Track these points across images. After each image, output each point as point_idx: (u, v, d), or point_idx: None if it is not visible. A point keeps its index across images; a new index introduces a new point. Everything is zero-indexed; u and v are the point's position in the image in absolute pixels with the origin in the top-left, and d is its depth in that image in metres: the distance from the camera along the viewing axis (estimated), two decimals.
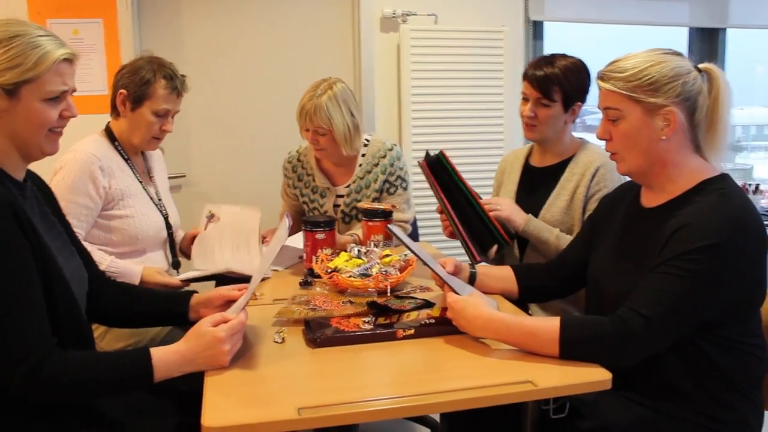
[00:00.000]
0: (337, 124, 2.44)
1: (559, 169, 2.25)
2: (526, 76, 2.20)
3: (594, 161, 2.18)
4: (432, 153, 2.09)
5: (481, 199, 2.13)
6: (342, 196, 2.62)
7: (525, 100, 2.22)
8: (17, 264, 1.29)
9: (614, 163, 2.11)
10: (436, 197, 2.08)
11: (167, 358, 1.37)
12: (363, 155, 2.62)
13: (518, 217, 2.14)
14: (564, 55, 2.20)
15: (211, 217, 2.23)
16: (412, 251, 1.75)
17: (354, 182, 2.61)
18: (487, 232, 2.10)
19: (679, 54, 1.55)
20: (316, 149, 2.53)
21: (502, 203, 2.16)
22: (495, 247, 2.11)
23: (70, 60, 1.40)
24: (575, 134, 2.32)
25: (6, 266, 1.27)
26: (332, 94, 2.44)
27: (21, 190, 1.43)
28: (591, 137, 2.08)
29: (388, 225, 1.63)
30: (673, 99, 1.50)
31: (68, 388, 1.30)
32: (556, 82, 2.15)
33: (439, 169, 2.07)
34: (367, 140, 2.65)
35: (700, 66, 1.55)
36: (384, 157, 2.61)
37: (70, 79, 1.41)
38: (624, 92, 1.52)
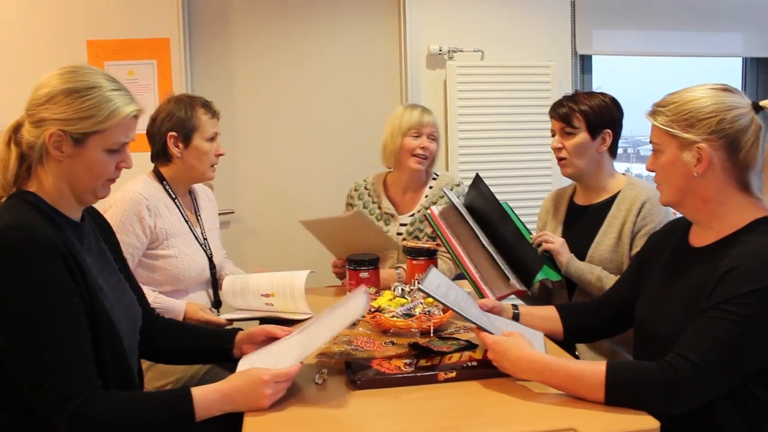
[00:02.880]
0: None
1: (604, 206, 2.22)
2: (551, 113, 2.27)
3: (640, 196, 2.14)
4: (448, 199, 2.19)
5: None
6: (405, 225, 2.67)
7: (552, 136, 2.27)
8: (64, 307, 1.32)
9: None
10: (443, 242, 2.18)
11: (208, 397, 1.39)
12: (430, 187, 2.72)
13: (565, 253, 2.12)
14: (593, 92, 2.29)
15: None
16: (444, 304, 1.66)
17: (419, 211, 2.68)
18: (534, 262, 2.10)
19: (730, 90, 1.51)
20: (423, 158, 2.64)
21: (554, 236, 2.18)
22: (538, 284, 2.10)
23: (136, 116, 1.46)
24: (617, 165, 2.30)
25: (53, 310, 1.30)
26: None
27: (77, 229, 1.48)
28: (643, 168, 2.07)
29: (420, 286, 1.61)
30: (705, 135, 1.47)
31: (111, 429, 1.32)
32: (576, 110, 2.19)
33: (476, 195, 2.09)
34: (437, 174, 2.77)
35: (762, 103, 1.50)
36: (451, 190, 2.67)
37: (132, 132, 1.47)
38: (664, 127, 1.51)
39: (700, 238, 1.58)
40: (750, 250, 1.42)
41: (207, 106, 2.27)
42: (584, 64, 3.79)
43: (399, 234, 2.65)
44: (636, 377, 1.40)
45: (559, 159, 2.24)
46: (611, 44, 3.82)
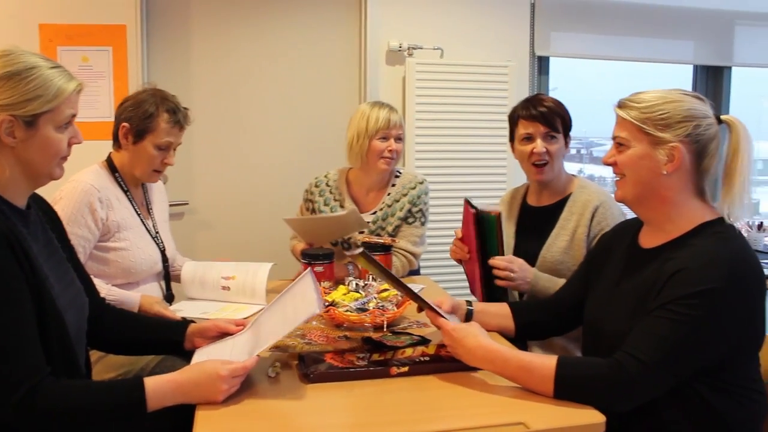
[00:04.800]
0: (408, 138, 2.71)
1: (556, 208, 2.26)
2: (528, 116, 2.23)
3: (592, 200, 2.19)
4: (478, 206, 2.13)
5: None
6: (368, 222, 2.66)
7: (528, 139, 2.24)
8: (10, 294, 1.29)
9: (612, 202, 2.12)
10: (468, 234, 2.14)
11: (161, 387, 1.38)
12: (393, 185, 2.72)
13: (524, 285, 2.12)
14: (543, 94, 2.34)
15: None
16: (403, 288, 1.70)
17: (381, 209, 2.67)
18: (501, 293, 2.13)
19: (701, 99, 1.56)
20: (389, 159, 2.63)
21: (516, 269, 2.11)
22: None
23: (80, 91, 1.47)
24: (571, 166, 2.35)
25: None
26: None
27: (23, 217, 1.45)
28: (597, 169, 2.11)
29: (363, 252, 1.61)
30: (681, 138, 1.51)
31: (60, 417, 1.30)
32: (558, 114, 2.22)
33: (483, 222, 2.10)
34: (399, 172, 2.76)
35: (723, 117, 1.55)
36: (414, 188, 2.70)
37: (77, 106, 1.47)
38: (636, 122, 1.54)
39: (650, 239, 1.62)
40: (696, 252, 1.46)
41: (173, 113, 2.16)
42: (542, 65, 3.84)
43: (361, 232, 2.66)
44: (584, 373, 1.43)
45: (540, 164, 2.23)
46: (568, 47, 3.88)
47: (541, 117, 2.21)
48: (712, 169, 1.55)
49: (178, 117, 2.17)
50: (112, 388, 1.39)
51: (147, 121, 2.13)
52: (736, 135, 1.53)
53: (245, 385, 1.49)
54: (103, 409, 1.33)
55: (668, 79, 4.37)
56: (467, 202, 2.15)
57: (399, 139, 2.65)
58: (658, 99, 1.54)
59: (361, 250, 1.56)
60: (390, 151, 2.61)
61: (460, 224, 2.28)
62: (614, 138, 1.61)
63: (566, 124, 2.26)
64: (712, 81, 4.20)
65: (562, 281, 2.08)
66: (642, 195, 1.58)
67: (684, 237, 1.53)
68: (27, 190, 1.47)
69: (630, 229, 1.73)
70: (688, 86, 4.21)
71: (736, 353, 1.47)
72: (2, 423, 1.29)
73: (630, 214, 1.75)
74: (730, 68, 4.18)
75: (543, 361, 1.46)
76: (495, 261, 2.09)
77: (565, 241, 2.19)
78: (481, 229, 2.09)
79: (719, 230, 1.50)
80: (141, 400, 1.35)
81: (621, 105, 1.59)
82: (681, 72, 4.25)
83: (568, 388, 1.42)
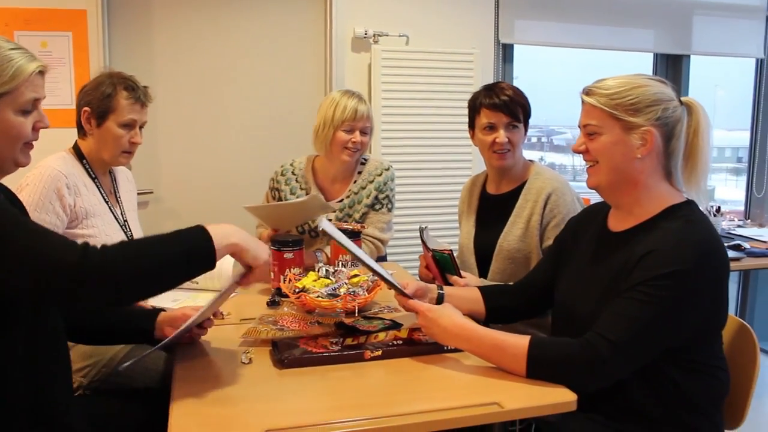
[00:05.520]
0: (374, 125, 2.70)
1: (512, 196, 2.29)
2: (490, 105, 2.24)
3: (545, 188, 2.22)
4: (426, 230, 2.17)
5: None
6: (335, 211, 2.65)
7: (490, 128, 2.26)
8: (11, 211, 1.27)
9: (565, 189, 2.16)
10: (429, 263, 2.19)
11: (219, 227, 1.38)
12: (359, 172, 2.70)
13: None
14: (503, 82, 2.36)
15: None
16: (369, 266, 1.73)
17: (348, 197, 2.67)
18: None
19: (664, 82, 1.59)
20: (354, 150, 2.60)
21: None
22: None
23: (42, 72, 1.42)
24: (532, 153, 2.38)
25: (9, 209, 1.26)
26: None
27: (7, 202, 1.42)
28: (557, 157, 2.14)
29: (327, 224, 1.64)
30: (652, 122, 1.54)
31: (128, 266, 1.25)
32: (519, 104, 2.24)
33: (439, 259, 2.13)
34: (365, 159, 2.74)
35: (683, 99, 1.59)
36: (380, 174, 2.69)
37: (41, 89, 1.42)
38: (606, 108, 1.56)
39: (619, 223, 1.65)
40: (664, 235, 1.50)
41: (132, 89, 2.14)
42: (506, 52, 3.87)
43: (329, 220, 2.65)
44: (556, 352, 1.46)
45: (502, 152, 2.25)
46: (532, 35, 3.91)
47: (504, 107, 2.23)
48: (677, 151, 1.58)
49: (138, 94, 2.15)
50: (173, 235, 1.34)
51: (107, 101, 2.10)
52: (696, 116, 1.58)
53: (219, 371, 1.49)
54: (172, 253, 1.30)
55: (629, 68, 4.45)
56: (421, 236, 2.17)
57: (365, 132, 2.62)
58: (625, 84, 1.57)
59: (322, 227, 1.62)
60: (354, 143, 2.59)
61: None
62: (584, 126, 1.63)
63: (526, 113, 2.28)
64: (672, 69, 4.29)
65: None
66: (616, 180, 1.60)
67: (652, 220, 1.57)
68: None
69: (599, 213, 1.76)
70: (648, 73, 4.29)
71: (702, 333, 1.51)
72: (68, 284, 1.22)
73: (590, 200, 1.77)
74: (689, 56, 4.27)
75: (516, 341, 1.48)
76: (451, 289, 2.00)
77: (521, 229, 2.22)
78: (440, 264, 2.13)
79: (686, 213, 1.54)
80: (206, 236, 1.33)
81: (588, 92, 1.61)
82: (641, 60, 4.33)
83: (539, 367, 1.45)
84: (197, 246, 1.34)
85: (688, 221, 1.51)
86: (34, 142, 1.45)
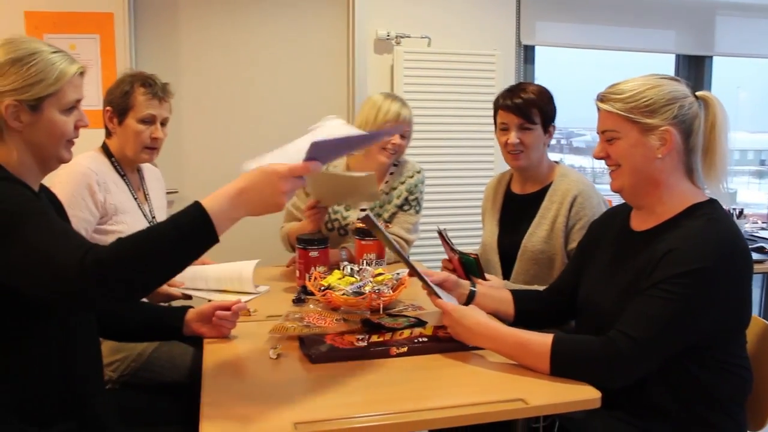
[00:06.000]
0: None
1: (538, 196, 2.30)
2: (504, 106, 2.26)
3: (571, 190, 2.22)
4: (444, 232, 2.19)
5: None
6: (365, 210, 2.67)
7: (504, 130, 2.28)
8: (41, 209, 1.34)
9: (591, 191, 2.16)
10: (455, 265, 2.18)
11: (219, 202, 1.32)
12: (391, 173, 2.74)
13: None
14: (530, 83, 2.34)
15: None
16: (404, 258, 1.76)
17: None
18: None
19: (677, 80, 1.60)
20: (390, 154, 2.63)
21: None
22: None
23: (82, 73, 1.50)
24: (552, 156, 2.38)
25: (35, 206, 1.33)
26: None
27: (38, 199, 1.48)
28: (577, 159, 2.15)
29: (367, 216, 1.68)
30: (669, 121, 1.55)
31: (133, 260, 1.25)
32: (534, 105, 2.23)
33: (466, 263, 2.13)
34: (398, 161, 2.78)
35: (698, 93, 1.60)
36: (412, 177, 2.74)
37: (81, 89, 1.51)
38: (621, 113, 1.57)
39: (641, 222, 1.66)
40: (686, 233, 1.51)
41: (149, 85, 2.19)
42: (527, 54, 3.88)
43: (359, 219, 2.67)
44: (579, 350, 1.48)
45: (515, 152, 2.27)
46: (553, 36, 3.92)
47: (516, 108, 2.23)
48: (697, 147, 1.60)
49: (155, 89, 2.19)
50: (171, 221, 1.31)
51: (125, 99, 2.16)
52: (713, 109, 1.59)
53: (248, 366, 1.52)
54: (171, 241, 1.27)
55: (650, 69, 4.40)
56: (442, 238, 2.17)
57: (404, 135, 2.65)
58: (638, 87, 1.58)
59: (365, 213, 1.66)
60: (393, 145, 2.61)
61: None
62: (602, 132, 1.64)
63: (546, 114, 2.26)
64: (694, 70, 4.27)
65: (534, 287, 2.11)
66: (638, 182, 1.61)
67: (675, 219, 1.58)
68: (39, 173, 1.50)
69: (619, 214, 1.77)
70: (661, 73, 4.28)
71: (723, 331, 1.52)
72: (75, 288, 1.24)
73: (613, 202, 1.78)
74: (711, 58, 4.25)
75: (539, 339, 1.50)
76: (483, 288, 2.00)
77: (546, 231, 2.23)
78: (465, 267, 2.14)
79: (709, 211, 1.55)
80: (206, 218, 1.28)
81: (602, 99, 1.62)
82: (663, 61, 4.31)
83: (563, 365, 1.46)
84: (195, 230, 1.29)
85: (710, 219, 1.52)
86: (75, 141, 1.53)
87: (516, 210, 2.37)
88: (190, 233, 1.29)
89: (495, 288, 2.02)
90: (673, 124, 1.55)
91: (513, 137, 2.24)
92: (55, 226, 1.31)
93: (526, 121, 2.23)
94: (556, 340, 1.48)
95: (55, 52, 1.45)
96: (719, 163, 1.59)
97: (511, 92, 2.27)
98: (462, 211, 3.61)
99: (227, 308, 1.74)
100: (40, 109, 1.42)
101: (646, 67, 4.25)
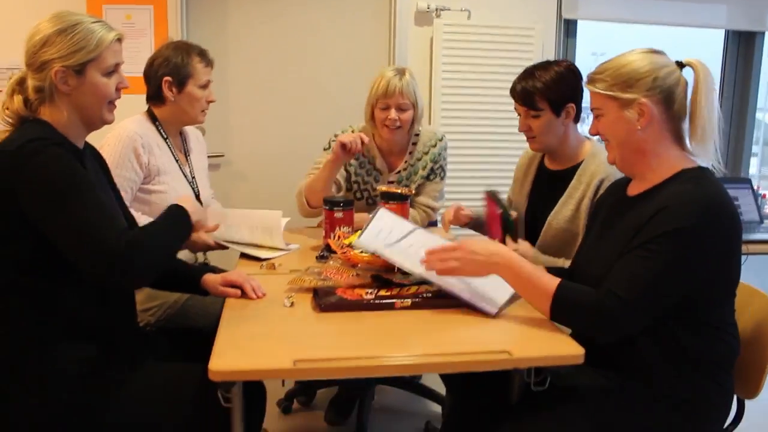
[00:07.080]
0: (419, 101, 2.66)
1: (568, 174, 2.30)
2: (511, 93, 2.29)
3: (598, 172, 2.20)
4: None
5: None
6: (392, 182, 2.77)
7: (519, 114, 2.31)
8: (90, 184, 1.54)
9: (618, 174, 2.20)
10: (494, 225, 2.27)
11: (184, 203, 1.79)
12: (414, 144, 2.78)
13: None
14: (548, 63, 2.26)
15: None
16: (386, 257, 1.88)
17: (405, 169, 2.77)
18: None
19: (657, 52, 1.66)
20: (393, 128, 2.63)
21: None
22: None
23: (120, 39, 1.68)
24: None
25: (83, 184, 1.52)
26: (411, 75, 2.65)
27: (81, 156, 1.68)
28: None
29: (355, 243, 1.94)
30: (644, 93, 1.61)
31: (156, 247, 1.59)
32: (536, 92, 2.20)
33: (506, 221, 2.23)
34: (419, 131, 2.79)
35: (684, 60, 1.66)
36: (434, 146, 2.78)
37: (120, 54, 1.69)
38: (602, 92, 1.66)
39: (634, 188, 1.74)
40: (674, 193, 1.57)
41: (203, 54, 2.41)
42: (569, 28, 3.88)
43: (486, 193, 2.62)
44: (577, 300, 1.57)
45: (528, 138, 2.31)
46: (597, 10, 3.89)
47: (518, 97, 2.25)
48: (686, 112, 1.65)
49: (207, 56, 2.42)
50: (164, 217, 1.73)
51: (185, 69, 2.35)
52: (697, 74, 1.64)
53: (263, 311, 1.68)
54: (169, 225, 1.71)
55: (697, 46, 4.35)
56: (491, 198, 2.26)
57: (402, 108, 2.61)
58: (616, 65, 1.65)
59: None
60: (391, 120, 2.60)
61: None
62: (591, 110, 1.74)
63: (556, 99, 2.21)
64: (744, 47, 4.17)
65: (561, 261, 2.17)
66: (626, 153, 1.69)
67: (665, 182, 1.64)
68: (84, 132, 1.70)
69: (618, 187, 1.84)
70: (718, 53, 4.20)
71: (709, 293, 1.58)
72: (113, 266, 1.47)
73: None
74: (763, 33, 4.14)
75: (548, 280, 1.60)
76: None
77: (571, 210, 2.24)
78: (505, 225, 2.22)
79: (697, 175, 1.61)
80: (184, 211, 1.76)
81: (589, 81, 1.71)
82: (711, 37, 4.22)
83: (561, 310, 1.57)
84: (181, 220, 1.75)
85: (698, 183, 1.57)
86: (117, 102, 1.71)
87: (546, 184, 2.40)
88: (175, 217, 1.74)
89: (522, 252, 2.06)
90: (647, 96, 1.61)
91: (522, 124, 2.29)
92: (103, 207, 1.52)
93: (530, 108, 2.24)
94: (560, 285, 1.58)
95: (95, 22, 1.63)
96: (704, 126, 1.63)
97: (521, 77, 2.26)
98: (496, 182, 3.63)
99: (236, 284, 1.85)
100: (84, 73, 1.61)
101: (692, 42, 4.19)
